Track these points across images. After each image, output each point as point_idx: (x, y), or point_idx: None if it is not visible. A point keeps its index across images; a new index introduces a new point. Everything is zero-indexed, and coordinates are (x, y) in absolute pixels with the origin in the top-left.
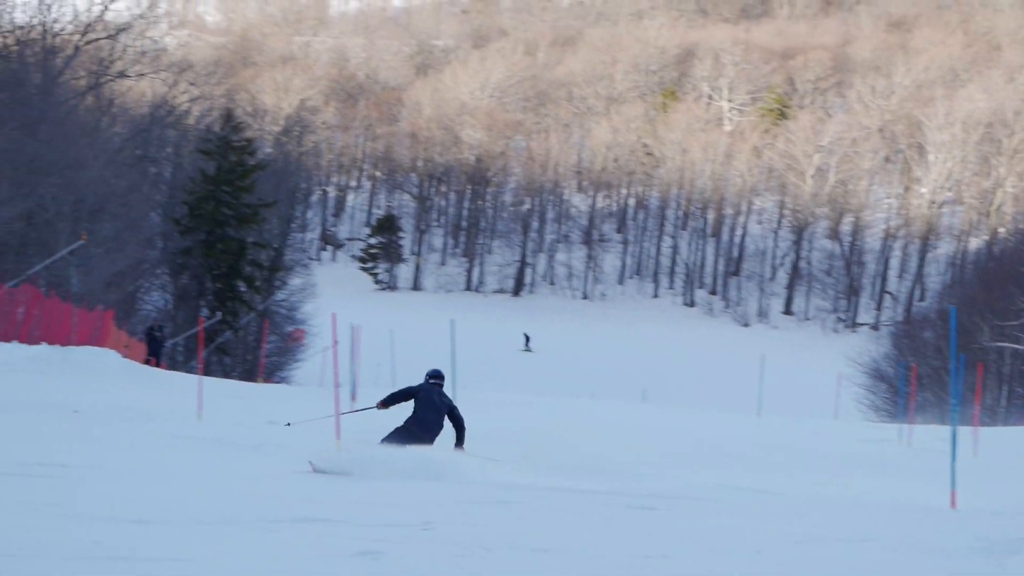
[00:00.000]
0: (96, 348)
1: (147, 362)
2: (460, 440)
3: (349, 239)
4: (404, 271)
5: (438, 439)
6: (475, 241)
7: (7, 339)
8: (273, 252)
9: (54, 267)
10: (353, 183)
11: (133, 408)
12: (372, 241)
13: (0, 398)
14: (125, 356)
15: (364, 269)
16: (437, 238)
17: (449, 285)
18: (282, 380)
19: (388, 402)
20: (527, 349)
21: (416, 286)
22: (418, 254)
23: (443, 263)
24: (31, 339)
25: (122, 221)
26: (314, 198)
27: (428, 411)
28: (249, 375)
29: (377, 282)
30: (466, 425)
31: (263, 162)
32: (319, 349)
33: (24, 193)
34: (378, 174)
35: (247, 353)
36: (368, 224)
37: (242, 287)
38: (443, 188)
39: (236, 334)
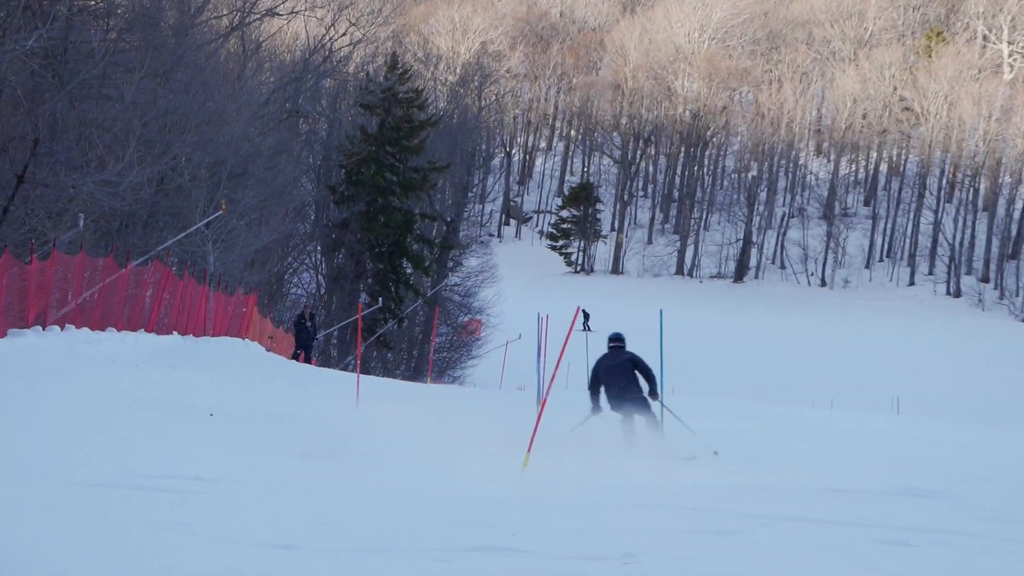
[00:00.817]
0: (236, 339)
1: (295, 356)
2: (652, 390)
3: (537, 212)
4: (602, 251)
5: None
6: (689, 215)
7: (133, 327)
8: (445, 227)
9: (188, 242)
10: (543, 144)
11: (277, 411)
12: (564, 214)
13: (124, 398)
14: (269, 349)
15: (554, 248)
16: (643, 211)
17: (657, 268)
18: (454, 380)
19: (595, 401)
20: (586, 328)
21: (616, 269)
22: (619, 231)
23: (649, 241)
24: (160, 328)
25: (267, 188)
26: (496, 162)
27: (614, 378)
28: (415, 374)
29: (569, 263)
30: (653, 374)
31: (435, 118)
32: (499, 343)
33: (155, 153)
34: (573, 133)
35: (413, 348)
36: (560, 194)
37: (408, 268)
38: (651, 151)
39: (400, 325)
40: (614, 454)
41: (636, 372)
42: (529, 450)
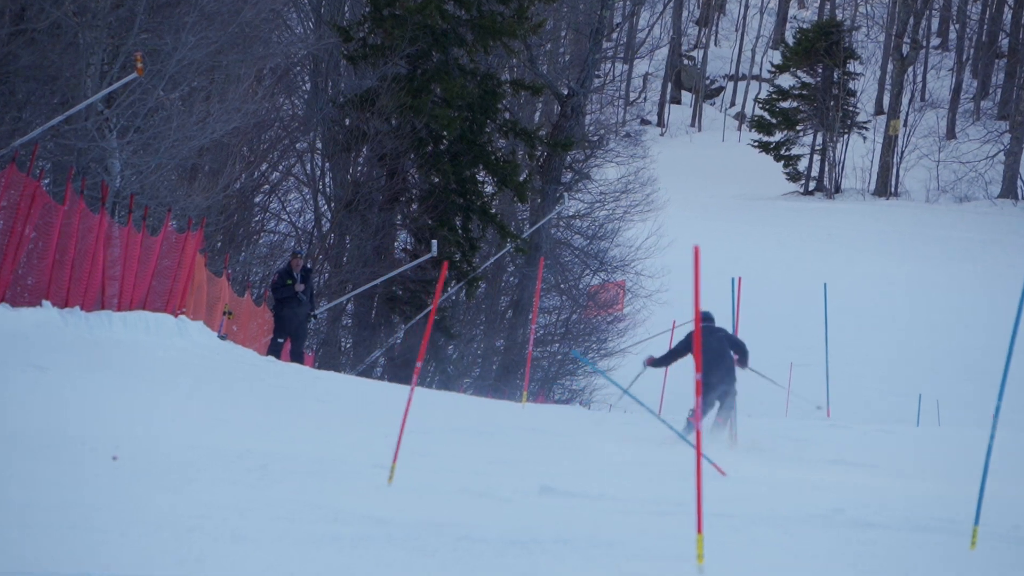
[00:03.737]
0: (162, 316)
1: (273, 348)
2: (743, 361)
3: (732, 78)
4: (857, 151)
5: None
6: None
7: None
8: (559, 106)
9: (73, 131)
10: None
11: (235, 463)
12: (785, 83)
13: None
14: (225, 334)
15: (765, 147)
16: (939, 79)
17: (963, 187)
18: (572, 398)
19: (661, 361)
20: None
21: (884, 188)
22: (893, 113)
23: (950, 135)
24: (18, 293)
25: (222, 29)
26: None
27: (709, 356)
28: (498, 383)
29: (794, 176)
30: (747, 349)
31: None
32: (659, 327)
33: None
34: None
35: (493, 335)
36: (777, 44)
37: (487, 184)
38: None
39: (472, 290)
40: None
41: (731, 351)
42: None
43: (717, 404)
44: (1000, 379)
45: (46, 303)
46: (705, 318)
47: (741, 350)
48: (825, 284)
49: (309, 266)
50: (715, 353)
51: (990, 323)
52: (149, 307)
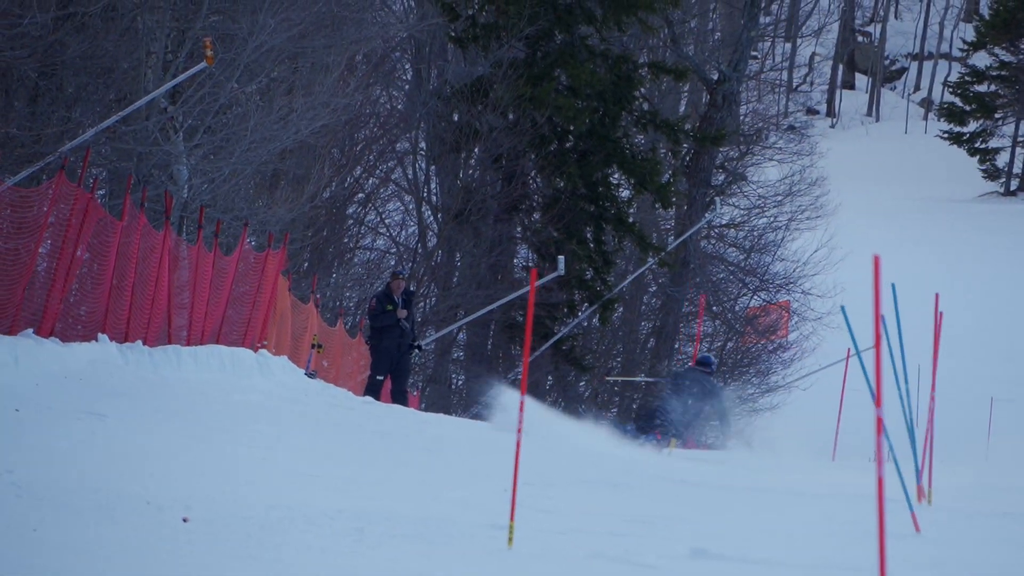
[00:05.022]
0: (239, 351)
1: (371, 387)
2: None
3: (916, 57)
4: None
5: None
6: None
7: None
8: (707, 95)
9: (131, 133)
10: None
11: (322, 523)
12: (980, 62)
13: None
14: (313, 372)
15: (956, 139)
16: None
17: None
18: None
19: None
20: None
21: None
22: None
23: None
24: (70, 326)
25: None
26: None
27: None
28: (639, 420)
29: (992, 173)
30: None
31: None
32: (833, 355)
33: None
34: None
35: (634, 365)
36: (971, 17)
37: (623, 187)
38: None
39: (607, 314)
40: None
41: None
42: None
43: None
44: None
45: (103, 337)
46: (701, 362)
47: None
48: (843, 307)
49: (412, 288)
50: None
51: None
52: (224, 341)
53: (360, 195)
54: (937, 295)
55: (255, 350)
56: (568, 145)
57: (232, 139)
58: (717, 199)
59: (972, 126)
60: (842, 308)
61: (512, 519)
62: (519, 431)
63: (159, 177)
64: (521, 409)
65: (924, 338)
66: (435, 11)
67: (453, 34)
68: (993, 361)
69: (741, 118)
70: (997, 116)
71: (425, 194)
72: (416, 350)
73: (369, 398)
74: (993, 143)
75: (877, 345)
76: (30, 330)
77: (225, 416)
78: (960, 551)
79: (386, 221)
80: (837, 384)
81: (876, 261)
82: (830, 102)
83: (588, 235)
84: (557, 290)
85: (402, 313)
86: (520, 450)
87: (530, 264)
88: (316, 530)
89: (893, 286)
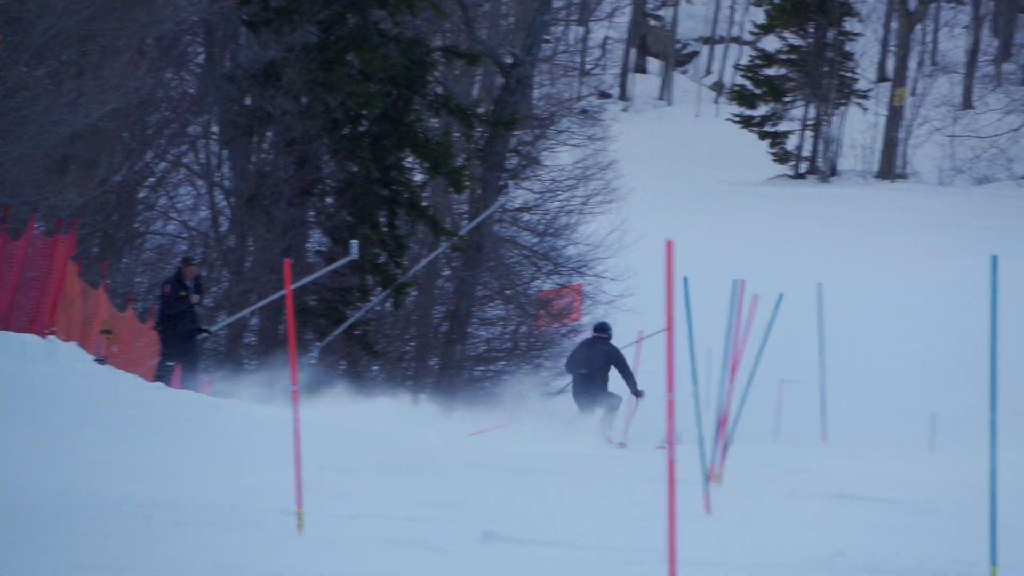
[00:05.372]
0: (27, 337)
1: (162, 373)
2: (632, 389)
3: (708, 41)
4: (857, 126)
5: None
6: None
7: None
8: (503, 79)
9: None
10: None
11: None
12: (770, 45)
13: None
14: (104, 357)
15: (747, 122)
16: (951, 41)
17: (983, 167)
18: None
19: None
20: None
21: (889, 170)
22: (898, 80)
23: (967, 105)
24: None
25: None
26: None
27: (582, 368)
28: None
29: (782, 156)
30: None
31: None
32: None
33: None
34: None
35: (429, 351)
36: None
37: (417, 171)
38: None
39: (399, 299)
40: None
41: (610, 367)
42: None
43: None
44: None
45: None
46: (598, 328)
47: (623, 369)
48: (820, 284)
49: (200, 274)
50: (588, 362)
51: (1017, 327)
52: (12, 327)
53: (151, 179)
54: (743, 282)
55: (43, 336)
56: (361, 129)
57: (20, 123)
58: (511, 183)
59: (762, 109)
60: (779, 296)
61: (299, 505)
62: (296, 420)
63: None
64: (295, 399)
65: (717, 322)
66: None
67: (245, 17)
68: (783, 342)
69: (534, 102)
70: (787, 100)
71: (217, 178)
72: (202, 333)
73: (160, 384)
74: (783, 126)
75: (670, 329)
76: None
77: (12, 403)
78: (747, 530)
79: (177, 206)
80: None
81: (669, 246)
82: (623, 86)
83: (382, 219)
84: (350, 274)
85: (195, 299)
86: (300, 435)
87: (323, 248)
88: (103, 517)
89: (686, 280)
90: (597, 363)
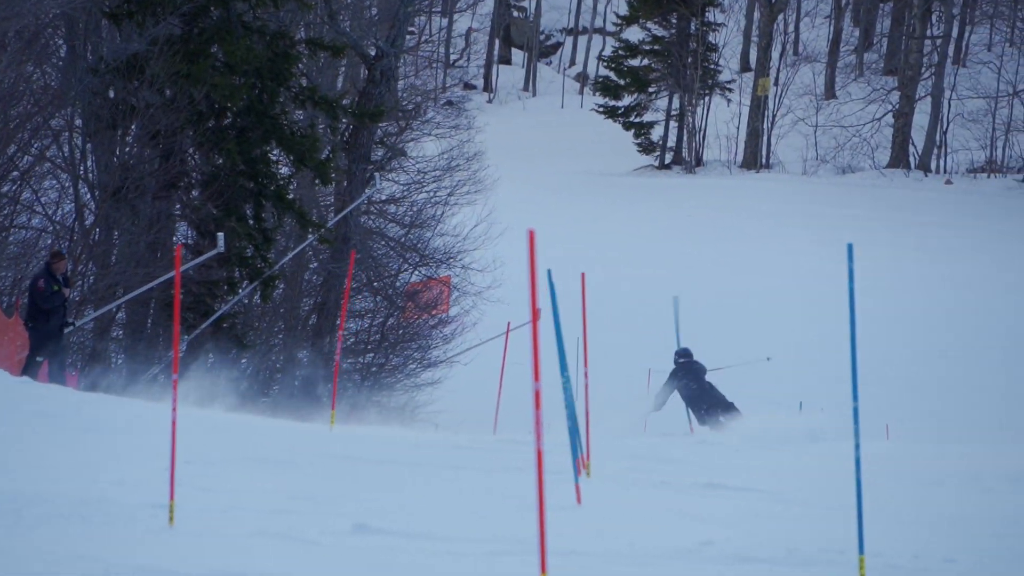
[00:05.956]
0: None
1: (28, 367)
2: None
3: (571, 31)
4: (722, 116)
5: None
6: (923, 22)
7: None
8: (367, 70)
9: None
10: None
11: None
12: (633, 36)
13: None
14: None
15: (611, 113)
16: (814, 28)
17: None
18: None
19: (658, 405)
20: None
21: (754, 160)
22: (761, 69)
23: (831, 95)
24: None
25: None
26: None
27: (699, 386)
28: (304, 399)
29: (646, 147)
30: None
31: None
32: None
33: None
34: None
35: (298, 341)
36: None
37: (282, 164)
38: None
39: (268, 292)
40: None
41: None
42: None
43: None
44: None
45: None
46: (684, 353)
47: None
48: (676, 298)
49: (68, 269)
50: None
51: (881, 313)
52: None
53: (15, 173)
54: (583, 275)
55: None
56: (226, 122)
57: None
58: (377, 175)
59: (627, 100)
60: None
61: (172, 497)
62: (174, 410)
63: None
64: (175, 388)
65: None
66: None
67: (107, 10)
68: (647, 331)
69: (400, 93)
70: (651, 90)
71: (82, 172)
72: (71, 327)
73: (27, 378)
74: (647, 117)
75: (534, 319)
76: None
77: None
78: (619, 520)
79: (42, 199)
80: (498, 359)
81: (531, 236)
82: (487, 77)
83: (248, 212)
84: (217, 267)
85: (68, 293)
86: (176, 428)
87: (189, 241)
88: None
89: (549, 272)
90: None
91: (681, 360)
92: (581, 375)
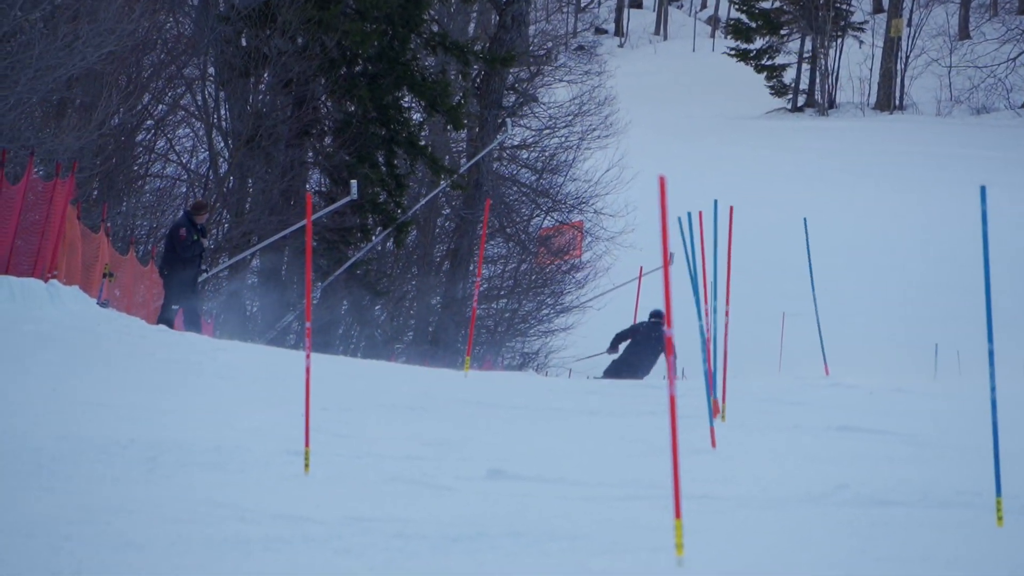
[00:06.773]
0: (28, 281)
1: (164, 316)
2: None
3: None
4: (854, 58)
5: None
6: None
7: None
8: (498, 15)
9: None
10: None
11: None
12: None
13: None
14: (106, 301)
15: (743, 55)
16: None
17: (981, 97)
18: (526, 363)
19: (612, 345)
20: None
21: (887, 102)
22: (895, 9)
23: (964, 35)
24: None
25: None
26: None
27: (643, 349)
28: (435, 349)
29: (779, 90)
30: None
31: None
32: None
33: None
34: None
35: (429, 291)
36: None
37: (415, 110)
38: None
39: (401, 239)
40: None
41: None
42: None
43: None
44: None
45: None
46: (656, 314)
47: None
48: (805, 219)
49: (203, 207)
50: (648, 346)
51: (1018, 257)
52: (13, 271)
53: (149, 122)
54: (731, 208)
55: (45, 280)
56: (358, 69)
57: (17, 67)
58: (508, 120)
59: (759, 43)
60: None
61: (307, 444)
62: (308, 357)
63: None
64: (308, 336)
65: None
66: None
67: None
68: (783, 276)
69: (530, 39)
70: (783, 32)
71: (215, 120)
72: (204, 274)
73: (163, 326)
74: (780, 60)
75: (665, 266)
76: None
77: (15, 347)
78: (751, 465)
79: (176, 148)
80: (631, 303)
81: (662, 182)
82: (618, 21)
83: (380, 159)
84: (350, 214)
85: (206, 242)
86: (310, 375)
87: (322, 189)
88: (108, 460)
89: (679, 220)
90: (658, 350)
91: (652, 320)
92: (722, 315)
